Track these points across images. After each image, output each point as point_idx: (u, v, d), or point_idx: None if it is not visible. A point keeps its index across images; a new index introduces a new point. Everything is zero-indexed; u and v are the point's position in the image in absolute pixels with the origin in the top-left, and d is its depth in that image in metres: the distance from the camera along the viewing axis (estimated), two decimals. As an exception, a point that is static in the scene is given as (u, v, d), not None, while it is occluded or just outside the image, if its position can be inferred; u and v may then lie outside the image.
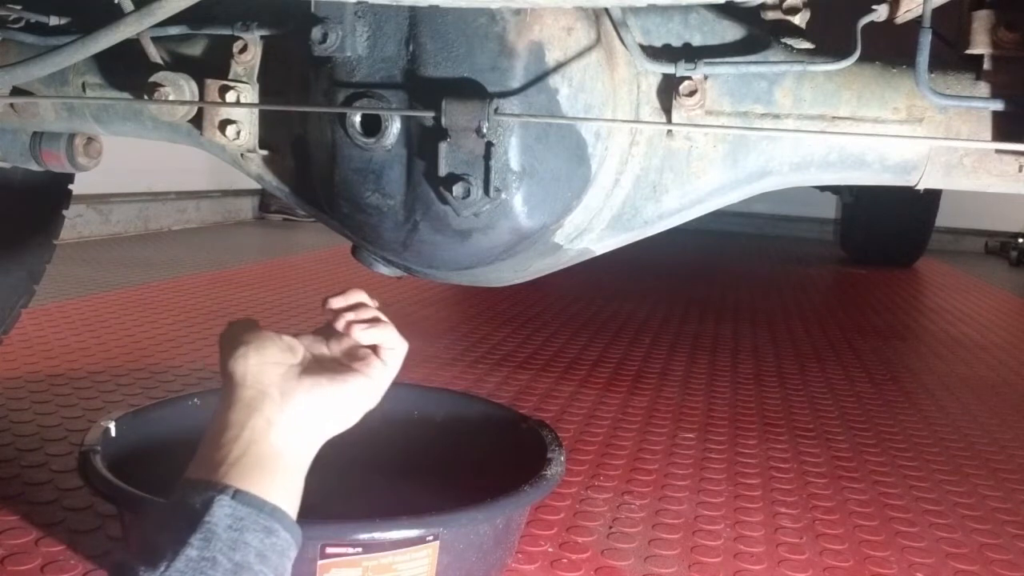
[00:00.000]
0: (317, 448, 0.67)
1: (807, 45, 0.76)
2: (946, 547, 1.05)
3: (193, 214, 3.94)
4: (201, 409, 1.01)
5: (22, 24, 0.88)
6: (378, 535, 0.72)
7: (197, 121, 0.84)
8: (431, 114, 0.71)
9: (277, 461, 0.62)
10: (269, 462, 0.62)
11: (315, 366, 0.69)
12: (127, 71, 0.87)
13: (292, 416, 0.65)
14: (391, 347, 0.72)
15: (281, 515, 0.60)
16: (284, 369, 0.67)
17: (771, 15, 0.76)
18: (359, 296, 0.75)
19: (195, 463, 0.62)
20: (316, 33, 0.73)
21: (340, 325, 0.72)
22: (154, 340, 1.78)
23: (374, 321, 0.73)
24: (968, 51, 0.74)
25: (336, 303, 0.73)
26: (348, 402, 0.68)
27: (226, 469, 0.60)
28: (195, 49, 0.86)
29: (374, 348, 0.72)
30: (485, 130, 0.70)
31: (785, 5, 0.75)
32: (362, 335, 0.71)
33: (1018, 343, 2.41)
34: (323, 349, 0.72)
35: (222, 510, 0.57)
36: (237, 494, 0.58)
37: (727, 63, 0.76)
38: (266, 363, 0.66)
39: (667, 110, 0.77)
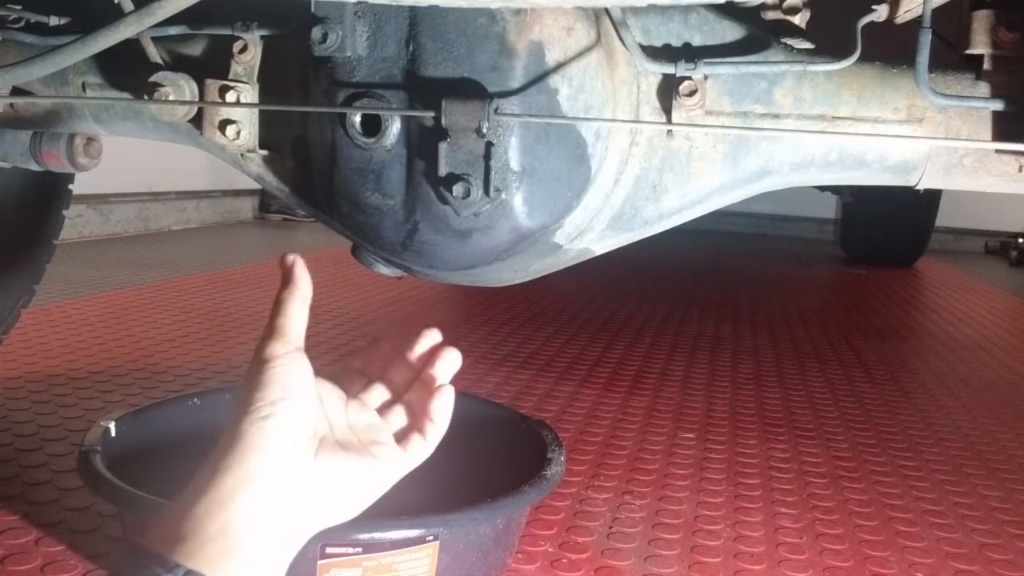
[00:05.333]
0: (304, 542, 0.56)
1: (807, 45, 0.76)
2: (946, 547, 1.05)
3: (193, 214, 3.94)
4: (201, 409, 1.01)
5: (22, 24, 0.88)
6: (378, 535, 0.72)
7: (197, 121, 0.84)
8: (431, 114, 0.71)
9: (258, 553, 0.52)
10: (245, 553, 0.51)
11: (330, 440, 0.59)
12: (127, 71, 0.87)
13: (294, 503, 0.54)
14: (432, 429, 0.63)
15: None
16: (304, 443, 0.56)
17: (771, 15, 0.76)
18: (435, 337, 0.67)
19: (159, 523, 0.52)
20: (316, 33, 0.73)
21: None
22: (154, 340, 1.78)
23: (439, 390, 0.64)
24: (968, 51, 0.74)
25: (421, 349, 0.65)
26: (359, 498, 0.60)
27: (186, 546, 0.49)
28: (195, 49, 0.86)
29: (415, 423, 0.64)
30: (485, 130, 0.70)
31: (785, 5, 0.75)
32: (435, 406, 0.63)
33: (1018, 343, 2.41)
34: (340, 412, 0.62)
35: None
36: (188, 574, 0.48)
37: (727, 63, 0.76)
38: (290, 431, 0.55)
39: (667, 110, 0.77)
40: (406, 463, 0.63)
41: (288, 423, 0.55)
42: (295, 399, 0.56)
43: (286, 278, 0.61)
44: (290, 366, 0.57)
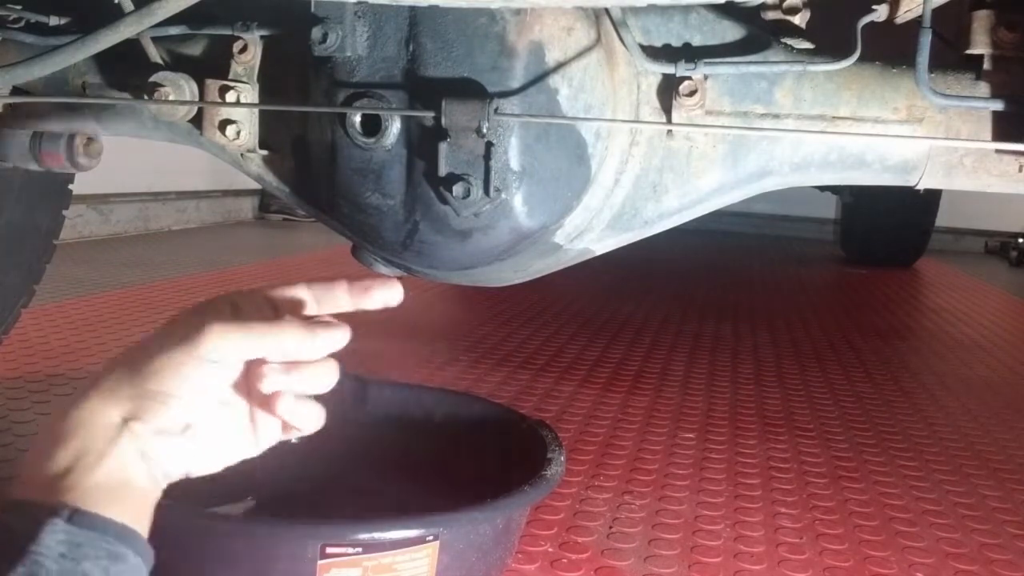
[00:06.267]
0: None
1: (807, 45, 0.76)
2: (946, 547, 1.05)
3: (193, 214, 3.94)
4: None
5: (22, 24, 0.88)
6: (378, 535, 0.72)
7: (197, 121, 0.84)
8: (431, 114, 0.71)
9: (132, 489, 0.52)
10: (122, 488, 0.51)
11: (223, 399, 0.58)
12: (127, 71, 0.87)
13: (171, 450, 0.54)
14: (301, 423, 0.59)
15: (132, 536, 0.50)
16: (206, 400, 0.55)
17: (771, 15, 0.76)
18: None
19: (27, 473, 0.52)
20: (316, 33, 0.73)
21: (266, 386, 0.56)
22: (154, 340, 1.77)
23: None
24: (968, 51, 0.74)
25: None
26: (225, 461, 0.59)
27: (64, 487, 0.49)
28: (195, 49, 0.86)
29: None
30: (485, 130, 0.70)
31: (785, 5, 0.75)
32: (283, 408, 0.57)
33: (1018, 343, 2.41)
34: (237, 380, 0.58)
35: (54, 536, 0.47)
36: (74, 515, 0.48)
37: (727, 63, 0.76)
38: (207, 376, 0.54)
39: (667, 110, 0.77)
40: (274, 441, 0.61)
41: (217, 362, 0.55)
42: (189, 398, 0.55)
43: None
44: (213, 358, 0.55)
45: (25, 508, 0.48)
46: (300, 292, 0.62)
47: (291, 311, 0.61)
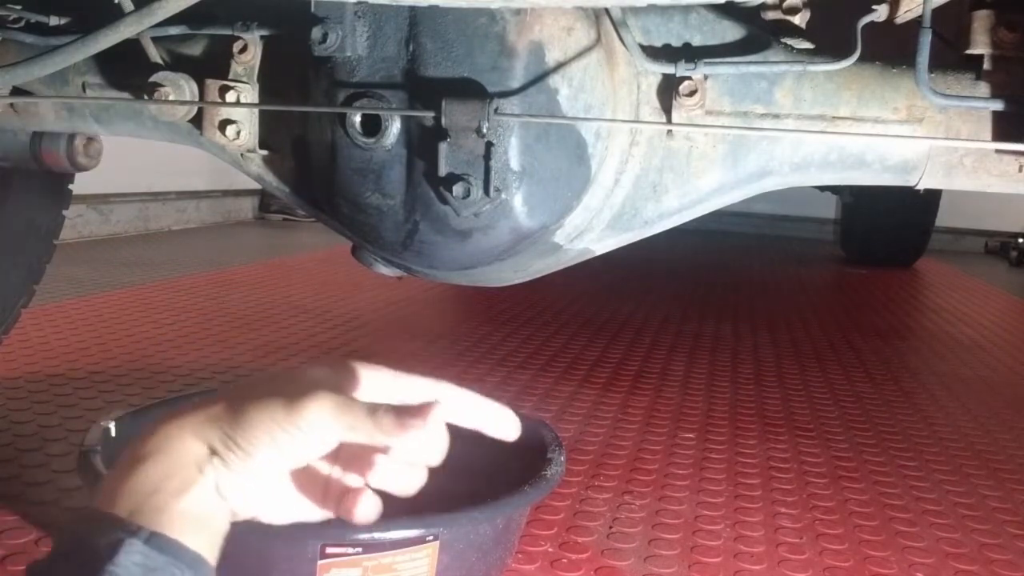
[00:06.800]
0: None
1: (807, 45, 0.76)
2: (946, 547, 1.05)
3: (193, 214, 3.94)
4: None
5: (22, 24, 0.88)
6: (378, 535, 0.72)
7: (197, 121, 0.84)
8: (431, 114, 0.71)
9: (210, 520, 0.53)
10: (200, 518, 0.52)
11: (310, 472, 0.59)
12: (127, 71, 0.87)
13: (246, 495, 0.54)
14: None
15: (203, 566, 0.51)
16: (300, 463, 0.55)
17: (771, 15, 0.76)
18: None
19: (111, 484, 0.52)
20: (316, 33, 0.73)
21: (373, 480, 0.58)
22: (154, 340, 1.78)
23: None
24: (968, 51, 0.74)
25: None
26: (292, 516, 0.60)
27: (146, 509, 0.50)
28: (195, 49, 0.86)
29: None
30: (485, 130, 0.70)
31: (785, 5, 0.75)
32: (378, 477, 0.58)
33: (1018, 343, 2.41)
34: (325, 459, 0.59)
35: (130, 557, 0.47)
36: (152, 538, 0.49)
37: (727, 63, 0.76)
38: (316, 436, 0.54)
39: (667, 110, 0.77)
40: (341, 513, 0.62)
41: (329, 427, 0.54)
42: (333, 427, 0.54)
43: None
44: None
45: (107, 523, 0.49)
46: (428, 390, 0.63)
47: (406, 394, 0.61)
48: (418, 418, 0.54)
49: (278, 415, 0.53)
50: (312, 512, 0.61)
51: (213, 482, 0.53)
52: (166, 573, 0.48)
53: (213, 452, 0.53)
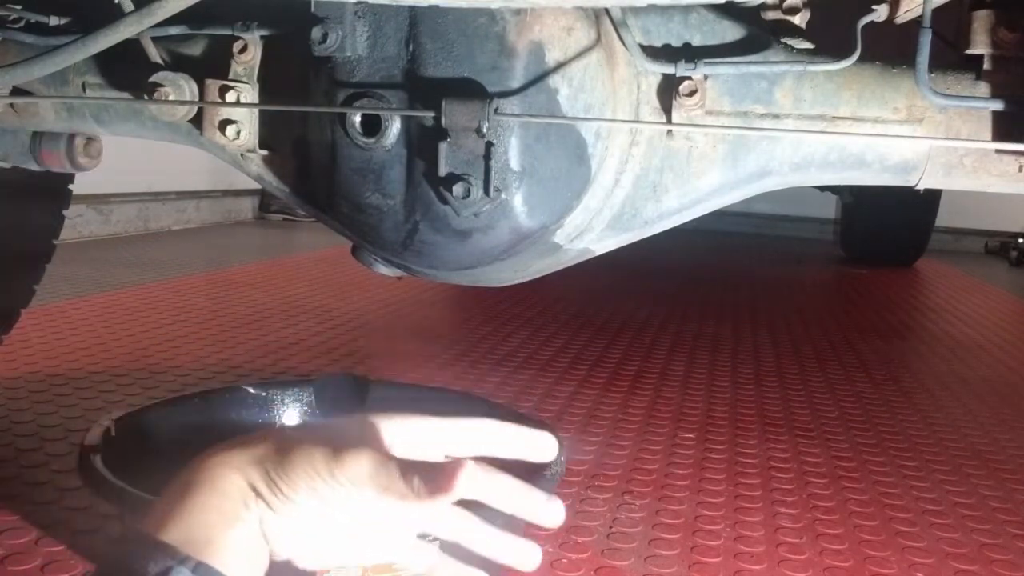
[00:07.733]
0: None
1: (807, 45, 0.76)
2: (946, 547, 1.05)
3: (193, 214, 3.94)
4: (202, 409, 1.01)
5: (22, 24, 0.88)
6: (378, 535, 0.72)
7: (197, 121, 0.84)
8: (431, 114, 0.71)
9: (253, 555, 0.54)
10: (245, 552, 0.53)
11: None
12: (127, 71, 0.87)
13: (285, 538, 0.55)
14: None
15: None
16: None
17: (771, 15, 0.76)
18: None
19: (161, 510, 0.53)
20: (316, 33, 0.73)
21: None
22: (154, 340, 1.78)
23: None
24: (968, 51, 0.74)
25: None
26: (325, 563, 0.59)
27: (194, 539, 0.51)
28: (195, 49, 0.86)
29: None
30: (485, 130, 0.70)
31: (785, 5, 0.75)
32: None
33: (1018, 343, 2.41)
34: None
35: None
36: (198, 568, 0.50)
37: (727, 63, 0.76)
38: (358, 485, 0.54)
39: (667, 110, 0.77)
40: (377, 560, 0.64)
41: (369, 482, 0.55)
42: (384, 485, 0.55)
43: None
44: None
45: (155, 549, 0.51)
46: (467, 434, 0.65)
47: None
48: (446, 485, 0.55)
49: (319, 465, 0.54)
50: (353, 559, 0.61)
51: (258, 519, 0.54)
52: None
53: (256, 492, 0.54)
